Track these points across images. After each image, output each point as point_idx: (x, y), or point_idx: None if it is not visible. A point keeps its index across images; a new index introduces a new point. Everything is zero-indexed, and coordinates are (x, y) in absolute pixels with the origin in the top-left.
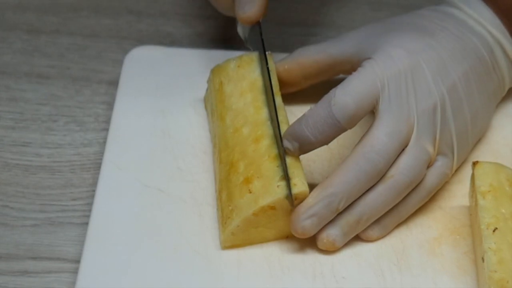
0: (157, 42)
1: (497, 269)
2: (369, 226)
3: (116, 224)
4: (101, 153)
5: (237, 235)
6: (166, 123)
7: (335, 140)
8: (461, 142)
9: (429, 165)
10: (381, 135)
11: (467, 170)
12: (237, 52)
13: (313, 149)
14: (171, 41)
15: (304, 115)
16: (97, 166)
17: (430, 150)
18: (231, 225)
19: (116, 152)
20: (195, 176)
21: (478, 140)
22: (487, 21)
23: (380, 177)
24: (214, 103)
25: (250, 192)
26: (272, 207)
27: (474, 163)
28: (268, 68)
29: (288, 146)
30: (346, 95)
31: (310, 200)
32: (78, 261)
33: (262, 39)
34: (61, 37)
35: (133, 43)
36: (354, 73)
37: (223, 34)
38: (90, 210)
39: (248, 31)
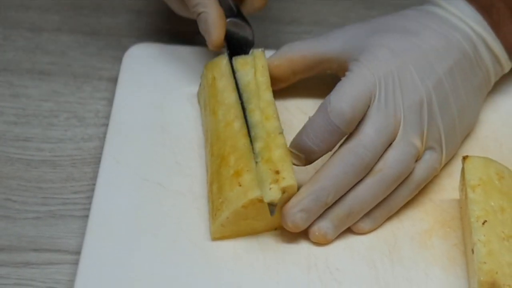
0: (156, 39)
1: (486, 261)
2: (360, 219)
3: (116, 217)
4: (101, 147)
5: (227, 226)
6: (165, 118)
7: None
8: (449, 136)
9: (417, 159)
10: (368, 130)
11: (457, 164)
12: None
13: (319, 157)
14: (169, 38)
15: (304, 126)
16: (97, 161)
17: (417, 145)
18: (221, 216)
19: (116, 146)
20: (193, 170)
21: (467, 135)
22: (469, 18)
23: (367, 171)
24: (207, 98)
25: (240, 185)
26: (260, 200)
27: (464, 158)
28: (235, 77)
29: (296, 158)
30: (341, 101)
31: (299, 194)
32: (78, 253)
33: (232, 67)
34: (62, 35)
35: (132, 41)
36: (345, 78)
37: None
38: (90, 203)
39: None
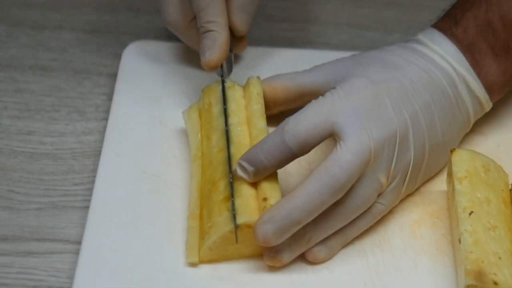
0: (154, 37)
1: (473, 250)
2: (315, 246)
3: (115, 208)
4: (101, 141)
5: (214, 250)
6: (162, 113)
7: None
8: (415, 173)
9: (380, 193)
10: (345, 153)
11: None
12: None
13: (267, 174)
14: (167, 36)
15: (260, 140)
16: (97, 154)
17: (383, 181)
18: (209, 240)
19: (115, 140)
20: (190, 163)
21: (430, 176)
22: (452, 57)
23: (343, 193)
24: (203, 122)
25: (228, 210)
26: (248, 226)
27: (452, 151)
28: (226, 113)
29: (243, 171)
30: (298, 124)
31: (273, 209)
32: (79, 243)
33: (223, 91)
34: (64, 32)
35: (131, 38)
36: (312, 101)
37: None
38: (91, 195)
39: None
